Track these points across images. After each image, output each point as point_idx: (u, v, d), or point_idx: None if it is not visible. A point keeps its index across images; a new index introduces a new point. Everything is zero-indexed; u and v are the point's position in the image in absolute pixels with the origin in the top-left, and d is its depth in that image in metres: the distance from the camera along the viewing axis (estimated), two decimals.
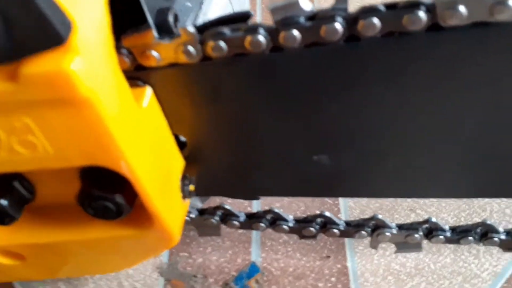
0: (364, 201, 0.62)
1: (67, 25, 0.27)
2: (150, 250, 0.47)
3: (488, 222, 0.49)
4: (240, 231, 0.61)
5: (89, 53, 0.29)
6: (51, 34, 0.26)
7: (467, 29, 0.32)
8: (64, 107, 0.30)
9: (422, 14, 0.32)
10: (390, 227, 0.51)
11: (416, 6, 0.32)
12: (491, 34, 0.32)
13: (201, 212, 0.54)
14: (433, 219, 0.50)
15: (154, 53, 0.36)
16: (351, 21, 0.33)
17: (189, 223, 0.55)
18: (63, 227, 0.44)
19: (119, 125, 0.33)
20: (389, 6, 0.32)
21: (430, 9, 0.32)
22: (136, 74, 0.38)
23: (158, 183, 0.40)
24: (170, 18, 0.39)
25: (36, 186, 0.42)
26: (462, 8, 0.31)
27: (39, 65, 0.28)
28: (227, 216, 0.54)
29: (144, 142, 0.37)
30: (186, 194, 0.45)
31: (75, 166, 0.37)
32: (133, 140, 0.35)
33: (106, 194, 0.38)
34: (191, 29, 0.34)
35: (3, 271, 0.50)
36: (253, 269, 0.57)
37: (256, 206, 0.61)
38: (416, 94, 0.37)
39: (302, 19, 0.33)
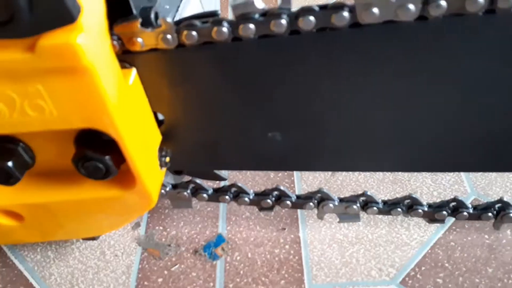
0: (316, 180, 0.72)
1: (77, 8, 0.36)
2: (132, 211, 0.55)
3: (414, 196, 0.59)
4: (209, 208, 0.70)
5: (90, 32, 0.38)
6: (66, 15, 0.35)
7: (380, 26, 0.42)
8: (69, 75, 0.39)
9: (346, 13, 0.42)
10: (333, 199, 0.60)
11: (341, 7, 0.42)
12: (398, 30, 0.43)
13: (175, 186, 0.63)
14: (369, 192, 0.60)
15: (139, 39, 0.45)
16: (293, 18, 0.43)
17: (164, 196, 0.63)
18: (58, 189, 0.52)
19: (111, 93, 0.42)
20: (321, 7, 0.43)
21: (352, 10, 0.42)
22: (123, 57, 0.47)
23: (140, 148, 0.48)
24: (152, 15, 0.49)
25: (36, 153, 0.50)
26: (375, 10, 0.41)
27: (53, 39, 0.37)
28: (198, 190, 0.63)
29: (130, 113, 0.46)
30: (162, 164, 0.54)
31: (73, 129, 0.46)
32: (121, 109, 0.44)
33: (97, 155, 0.47)
34: (169, 20, 0.44)
35: (3, 232, 0.57)
36: (219, 239, 0.66)
37: (223, 183, 0.70)
38: (346, 78, 0.47)
39: (256, 15, 0.43)
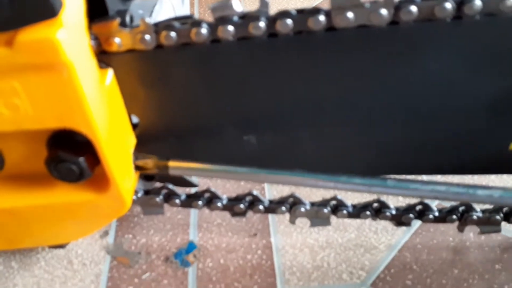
0: (286, 187, 0.73)
1: (59, 3, 0.36)
2: (104, 216, 0.54)
3: (382, 199, 0.61)
4: (179, 216, 0.70)
5: (70, 29, 0.38)
6: (48, 9, 0.35)
7: (354, 29, 0.44)
8: (47, 72, 0.39)
9: (322, 18, 0.43)
10: (304, 204, 0.61)
11: (317, 11, 0.43)
12: (370, 34, 0.44)
13: (147, 192, 0.62)
14: (339, 197, 0.61)
15: (117, 39, 0.45)
16: (271, 21, 0.44)
17: (135, 202, 0.62)
18: (28, 193, 0.50)
19: (88, 92, 0.41)
20: (299, 11, 0.44)
21: (328, 14, 0.43)
22: (100, 57, 0.46)
23: (115, 150, 0.48)
24: (127, 18, 0.49)
25: (5, 155, 0.49)
26: (350, 14, 0.43)
27: (32, 33, 0.36)
28: (170, 196, 0.62)
29: (106, 114, 0.46)
30: (136, 167, 0.54)
31: (46, 130, 0.45)
32: (98, 108, 0.43)
33: (71, 156, 0.46)
34: (149, 20, 0.44)
35: None
36: (191, 246, 0.65)
37: (195, 188, 0.70)
38: (322, 79, 0.48)
39: (235, 18, 0.44)
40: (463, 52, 0.45)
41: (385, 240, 0.65)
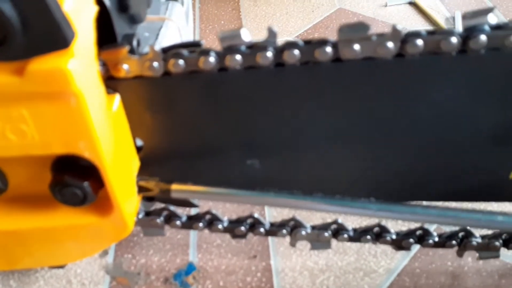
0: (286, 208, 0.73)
1: (72, 34, 0.36)
2: (106, 239, 0.54)
3: (382, 224, 0.61)
4: (179, 236, 0.69)
5: (80, 58, 0.38)
6: (60, 40, 0.35)
7: (360, 61, 0.44)
8: (56, 100, 0.39)
9: (329, 49, 0.44)
10: (305, 227, 0.61)
11: (324, 43, 0.44)
12: (377, 66, 0.45)
13: (148, 213, 0.62)
14: (340, 220, 0.61)
15: (125, 66, 0.45)
16: (279, 51, 0.45)
17: (135, 223, 0.62)
18: (30, 215, 0.50)
19: (96, 120, 0.41)
20: (306, 42, 0.44)
21: (335, 46, 0.44)
22: (108, 83, 0.46)
23: (120, 175, 0.48)
24: (134, 43, 0.49)
25: (9, 178, 0.49)
26: (356, 47, 0.44)
27: (44, 63, 0.36)
28: (171, 217, 0.62)
29: (112, 139, 0.46)
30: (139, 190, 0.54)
31: (53, 155, 0.45)
32: (105, 135, 0.43)
33: (76, 181, 0.46)
34: (157, 48, 0.44)
35: None
36: (190, 268, 0.65)
37: (194, 210, 0.70)
38: (327, 109, 0.49)
39: (243, 47, 0.45)
40: (467, 84, 0.46)
41: (384, 263, 0.65)
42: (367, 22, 0.42)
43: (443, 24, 1.17)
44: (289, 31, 1.19)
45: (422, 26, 1.17)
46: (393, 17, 1.21)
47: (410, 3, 1.27)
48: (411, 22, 1.19)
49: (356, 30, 0.43)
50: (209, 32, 1.21)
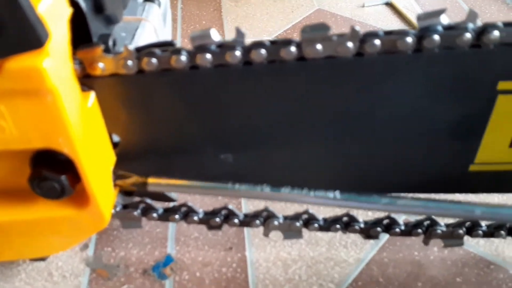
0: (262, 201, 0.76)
1: (46, 35, 0.38)
2: (84, 231, 0.56)
3: (351, 213, 0.64)
4: (158, 229, 0.72)
5: (55, 57, 0.40)
6: (35, 40, 0.37)
7: (322, 59, 0.47)
8: (32, 96, 0.41)
9: (293, 48, 0.46)
10: (278, 217, 0.64)
11: (289, 43, 0.46)
12: (338, 64, 0.48)
13: (125, 206, 0.64)
14: (311, 211, 0.64)
15: (100, 64, 0.48)
16: (247, 50, 0.47)
17: (114, 216, 0.64)
18: (10, 208, 0.52)
19: (71, 115, 0.44)
20: (272, 42, 0.47)
21: (299, 45, 0.47)
22: (84, 81, 0.49)
23: (96, 169, 0.50)
24: (110, 42, 0.51)
25: None
26: (318, 46, 0.46)
27: (20, 62, 0.39)
28: (148, 210, 0.64)
29: (87, 134, 0.48)
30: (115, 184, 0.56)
31: (31, 149, 0.47)
32: (80, 130, 0.46)
33: (54, 174, 0.48)
34: (131, 47, 0.47)
35: None
36: (168, 259, 0.68)
37: (171, 203, 0.72)
38: (293, 104, 0.51)
39: (213, 47, 0.47)
40: (423, 81, 0.49)
41: (354, 253, 0.68)
42: (327, 23, 0.45)
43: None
44: (268, 31, 1.22)
45: (398, 26, 1.20)
46: (370, 18, 1.25)
47: (387, 4, 1.30)
48: (387, 22, 1.22)
49: (317, 30, 0.45)
50: (190, 32, 1.23)
